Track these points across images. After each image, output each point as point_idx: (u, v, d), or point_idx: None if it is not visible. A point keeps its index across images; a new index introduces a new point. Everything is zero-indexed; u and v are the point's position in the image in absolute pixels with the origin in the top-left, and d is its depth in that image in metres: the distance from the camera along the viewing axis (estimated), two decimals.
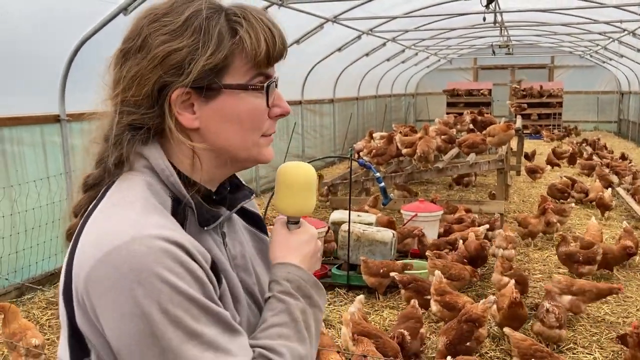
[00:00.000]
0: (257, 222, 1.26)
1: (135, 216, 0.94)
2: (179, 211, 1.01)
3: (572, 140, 14.13)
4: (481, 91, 18.87)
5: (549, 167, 10.77)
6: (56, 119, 5.76)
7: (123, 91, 1.01)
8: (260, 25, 1.03)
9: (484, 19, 8.09)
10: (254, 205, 1.30)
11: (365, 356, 3.26)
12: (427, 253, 5.32)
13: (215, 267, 0.99)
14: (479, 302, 4.12)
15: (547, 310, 4.14)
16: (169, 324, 0.88)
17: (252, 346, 0.99)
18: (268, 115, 1.07)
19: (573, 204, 7.75)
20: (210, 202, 1.08)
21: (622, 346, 4.00)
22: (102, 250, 0.90)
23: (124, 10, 5.59)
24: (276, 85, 1.09)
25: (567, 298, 4.57)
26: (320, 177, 9.12)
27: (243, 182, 1.23)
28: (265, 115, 1.07)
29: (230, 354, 0.92)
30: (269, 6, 7.32)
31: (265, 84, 1.05)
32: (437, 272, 4.59)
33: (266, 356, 0.98)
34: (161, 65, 0.98)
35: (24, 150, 5.42)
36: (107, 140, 1.04)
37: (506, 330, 3.83)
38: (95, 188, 1.07)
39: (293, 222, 1.19)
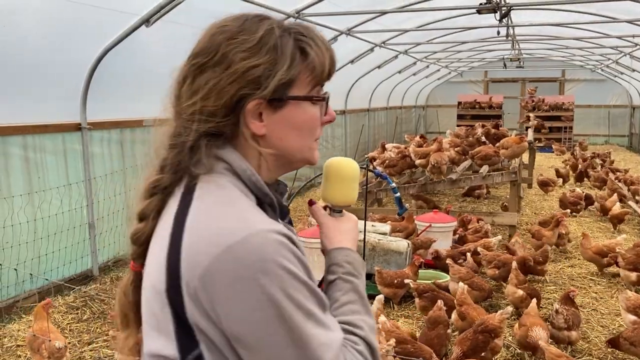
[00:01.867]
0: (283, 213, 1.37)
1: (242, 213, 1.04)
2: (263, 208, 1.13)
3: (583, 155, 14.11)
4: (493, 104, 18.88)
5: (561, 180, 10.78)
6: (77, 127, 5.89)
7: (201, 101, 1.10)
8: (322, 45, 1.17)
9: (498, 32, 8.18)
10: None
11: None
12: (447, 261, 5.36)
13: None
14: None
15: (557, 312, 4.22)
16: (293, 307, 0.98)
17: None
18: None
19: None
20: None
21: (612, 349, 4.12)
22: (220, 246, 0.98)
23: (146, 22, 5.73)
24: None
25: (632, 318, 4.36)
26: None
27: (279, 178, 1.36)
28: (319, 122, 1.20)
29: (331, 330, 1.04)
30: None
31: (327, 96, 1.20)
32: (461, 284, 4.63)
33: (350, 330, 1.11)
34: (240, 79, 1.09)
35: (46, 158, 5.54)
36: (176, 146, 1.12)
37: (542, 345, 3.85)
38: (164, 192, 1.13)
39: (337, 210, 1.34)
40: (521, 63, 16.41)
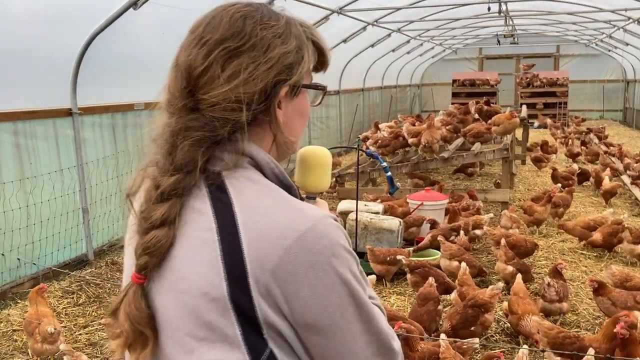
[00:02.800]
0: None
1: (293, 204, 1.05)
2: None
3: (577, 130, 14.14)
4: (490, 81, 18.78)
5: (554, 155, 10.82)
6: (68, 113, 5.88)
7: (241, 86, 1.05)
8: (321, 36, 1.20)
9: (489, 8, 8.14)
10: None
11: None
12: (438, 238, 5.41)
13: None
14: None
15: (548, 285, 4.29)
16: (357, 284, 1.04)
17: None
18: None
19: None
20: None
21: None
22: (288, 238, 0.99)
23: (134, 5, 5.69)
24: None
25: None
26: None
27: None
28: (309, 111, 1.24)
29: (371, 300, 1.11)
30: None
31: (326, 86, 1.23)
32: (464, 264, 4.66)
33: (374, 303, 1.16)
34: (277, 65, 1.07)
35: (38, 144, 5.54)
36: (203, 141, 1.05)
37: (535, 319, 3.90)
38: (182, 194, 1.05)
39: (311, 197, 1.34)
40: (515, 39, 16.33)
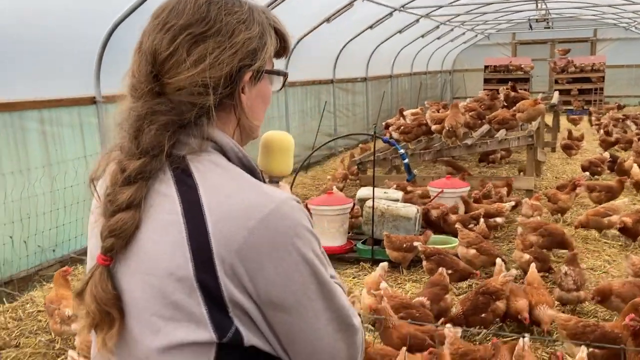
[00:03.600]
0: None
1: (258, 187, 1.08)
2: None
3: (613, 116, 13.71)
4: (523, 67, 18.35)
5: (585, 142, 10.55)
6: (92, 101, 6.02)
7: (207, 70, 1.07)
8: (282, 23, 1.23)
9: None
10: None
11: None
12: (456, 225, 5.37)
13: None
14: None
15: (565, 274, 4.22)
16: (319, 263, 1.09)
17: None
18: None
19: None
20: None
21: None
22: (252, 219, 1.02)
23: None
24: None
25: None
26: (350, 155, 9.22)
27: None
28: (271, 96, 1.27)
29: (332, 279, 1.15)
30: None
31: (287, 72, 1.26)
32: (499, 261, 4.42)
33: (336, 282, 1.20)
34: (241, 50, 1.11)
35: (63, 131, 5.69)
36: (168, 126, 1.06)
37: (550, 312, 3.84)
38: (148, 177, 1.07)
39: (275, 181, 1.40)
40: (549, 24, 15.94)
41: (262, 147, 1.39)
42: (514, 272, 4.21)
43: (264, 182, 1.19)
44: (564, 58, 18.59)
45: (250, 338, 1.05)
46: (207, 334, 1.03)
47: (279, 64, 1.27)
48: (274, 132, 1.41)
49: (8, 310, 4.71)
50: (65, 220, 5.38)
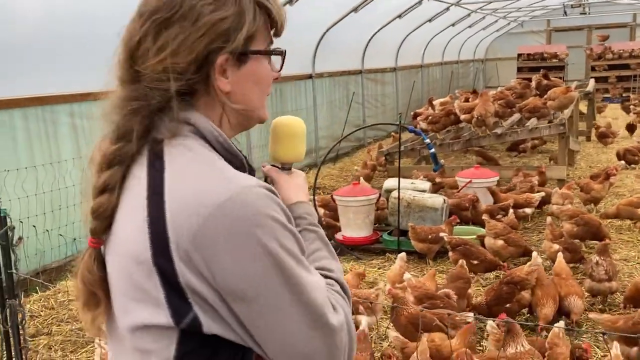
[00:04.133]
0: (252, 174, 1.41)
1: (222, 171, 1.05)
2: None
3: None
4: (558, 54, 17.88)
5: (621, 131, 10.25)
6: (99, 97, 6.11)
7: (170, 57, 1.05)
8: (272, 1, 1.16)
9: None
10: None
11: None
12: (483, 216, 5.29)
13: None
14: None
15: (597, 263, 4.12)
16: (286, 254, 1.02)
17: None
18: None
19: None
20: None
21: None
22: (209, 206, 0.98)
23: None
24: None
25: None
26: (379, 146, 9.16)
27: None
28: (272, 78, 1.21)
29: (313, 274, 1.09)
30: None
31: (284, 50, 1.18)
32: (536, 257, 4.15)
33: (325, 274, 1.16)
34: (210, 33, 1.06)
35: (93, 125, 5.79)
36: (139, 111, 1.07)
37: (592, 315, 3.74)
38: (127, 161, 1.09)
39: (287, 168, 1.37)
40: (585, 9, 15.51)
41: (271, 133, 1.36)
42: (539, 261, 4.11)
43: (246, 168, 1.16)
44: (602, 45, 18.07)
45: (210, 326, 1.03)
46: (164, 318, 1.02)
47: (279, 43, 1.22)
48: (282, 118, 1.38)
49: (41, 299, 4.84)
50: None
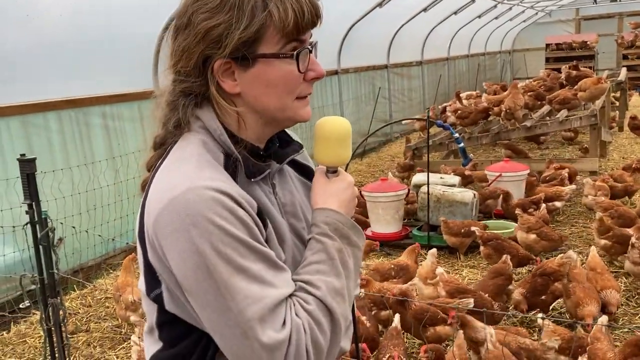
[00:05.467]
0: (308, 173, 1.39)
1: (190, 171, 1.11)
2: (229, 165, 1.17)
3: None
4: (588, 43, 17.48)
5: None
6: (151, 95, 6.20)
7: (176, 63, 1.18)
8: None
9: None
10: (306, 158, 1.43)
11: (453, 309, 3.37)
12: (516, 211, 5.24)
13: (260, 213, 1.15)
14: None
15: (632, 245, 4.05)
16: (220, 260, 1.04)
17: (294, 280, 1.15)
18: (303, 78, 1.20)
19: None
20: (258, 157, 1.22)
21: None
22: (164, 199, 1.08)
23: None
24: (311, 51, 1.20)
25: None
26: (406, 140, 9.13)
27: (293, 138, 1.38)
28: (299, 79, 1.19)
29: (274, 286, 1.08)
30: None
31: (295, 52, 1.16)
32: (573, 255, 3.98)
33: (305, 288, 1.13)
34: (203, 40, 1.13)
35: (124, 125, 5.92)
36: (168, 105, 1.22)
37: (617, 296, 3.70)
38: (161, 147, 1.24)
39: (332, 171, 1.32)
40: None
41: (314, 135, 1.32)
42: (572, 253, 4.06)
43: (240, 168, 1.18)
44: (634, 32, 17.64)
45: (171, 306, 1.15)
46: (144, 288, 1.19)
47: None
48: (325, 119, 1.32)
49: (78, 297, 4.97)
50: (129, 211, 5.60)
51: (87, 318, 4.61)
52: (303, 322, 1.09)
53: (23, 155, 2.86)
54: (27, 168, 2.77)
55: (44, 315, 3.03)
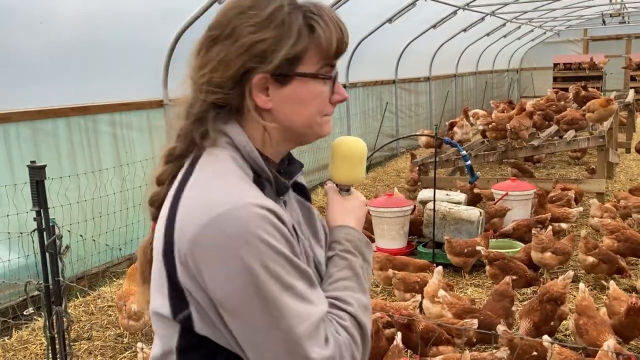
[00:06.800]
0: (303, 192, 1.40)
1: (232, 187, 1.10)
2: (258, 183, 1.17)
3: None
4: (596, 63, 17.47)
5: None
6: (160, 104, 6.24)
7: (210, 72, 1.14)
8: (332, 23, 1.18)
9: None
10: (300, 176, 1.45)
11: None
12: (532, 230, 5.18)
13: (295, 230, 1.15)
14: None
15: None
16: (270, 278, 1.04)
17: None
18: (329, 100, 1.24)
19: None
20: (279, 174, 1.24)
21: None
22: (207, 216, 1.04)
23: (218, 0, 5.92)
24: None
25: None
26: (412, 155, 9.13)
27: (293, 156, 1.39)
28: (327, 100, 1.23)
29: (314, 304, 1.09)
30: None
31: (333, 74, 1.21)
32: (582, 285, 3.87)
33: (338, 305, 1.15)
34: (247, 53, 1.13)
35: (133, 134, 5.94)
36: (189, 117, 1.18)
37: None
38: (179, 160, 1.20)
39: (345, 189, 1.36)
40: (625, 18, 15.20)
41: (330, 154, 1.37)
42: (570, 273, 4.00)
43: (273, 185, 1.19)
44: None
45: (202, 327, 1.10)
46: (166, 309, 1.12)
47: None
48: (342, 138, 1.37)
49: (81, 305, 4.96)
50: (135, 219, 5.60)
51: (89, 326, 4.59)
52: (344, 338, 1.11)
53: (33, 162, 2.86)
54: (37, 175, 2.77)
55: (47, 323, 3.02)
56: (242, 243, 1.03)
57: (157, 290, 1.14)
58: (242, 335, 1.07)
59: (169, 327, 1.15)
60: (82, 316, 4.76)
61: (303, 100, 1.19)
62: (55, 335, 3.02)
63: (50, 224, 2.80)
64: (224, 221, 1.03)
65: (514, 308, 4.03)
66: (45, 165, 2.85)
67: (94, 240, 4.72)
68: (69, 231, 4.36)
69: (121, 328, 4.32)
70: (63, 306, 2.99)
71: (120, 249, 5.34)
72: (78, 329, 4.51)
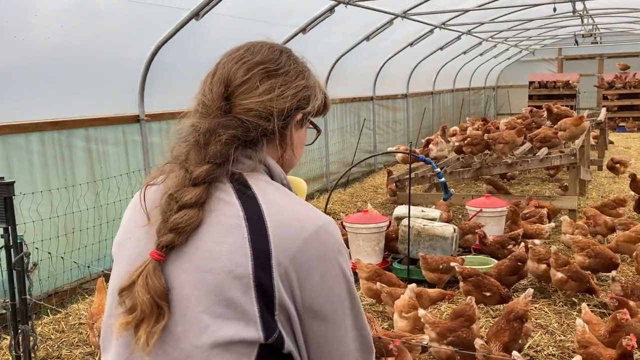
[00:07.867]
0: None
1: (309, 206, 1.25)
2: None
3: None
4: (570, 82, 17.87)
5: (633, 160, 10.21)
6: (136, 119, 6.21)
7: (275, 99, 1.26)
8: (322, 92, 1.42)
9: (555, 9, 7.83)
10: None
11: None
12: (529, 245, 5.21)
13: None
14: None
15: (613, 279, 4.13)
16: (353, 282, 1.24)
17: None
18: None
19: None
20: None
21: None
22: (307, 231, 1.16)
23: (196, 15, 5.95)
24: None
25: None
26: (388, 172, 9.20)
27: None
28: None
29: None
30: (336, 5, 7.46)
31: (321, 130, 1.48)
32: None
33: None
34: (300, 93, 1.31)
35: (108, 149, 5.89)
36: (234, 140, 1.21)
37: None
38: (205, 184, 1.18)
39: None
40: (597, 39, 15.57)
41: None
42: (530, 290, 4.03)
43: None
44: (625, 73, 17.99)
45: (289, 344, 1.15)
46: (255, 332, 1.10)
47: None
48: (290, 179, 1.54)
49: (51, 322, 4.87)
50: (108, 235, 5.55)
51: (59, 344, 4.51)
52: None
53: (1, 178, 2.83)
54: (5, 191, 2.74)
55: (13, 342, 2.97)
56: (337, 253, 1.19)
57: (226, 317, 1.10)
58: (326, 338, 1.18)
59: (241, 356, 1.11)
60: (52, 334, 4.67)
61: (302, 142, 1.41)
62: (22, 355, 2.97)
63: (18, 241, 2.76)
64: (324, 234, 1.18)
65: (474, 326, 3.99)
66: (13, 182, 2.82)
67: (62, 258, 4.64)
68: (37, 248, 4.29)
69: (92, 346, 4.25)
70: (30, 325, 2.94)
71: (88, 267, 5.23)
72: (47, 347, 4.43)
